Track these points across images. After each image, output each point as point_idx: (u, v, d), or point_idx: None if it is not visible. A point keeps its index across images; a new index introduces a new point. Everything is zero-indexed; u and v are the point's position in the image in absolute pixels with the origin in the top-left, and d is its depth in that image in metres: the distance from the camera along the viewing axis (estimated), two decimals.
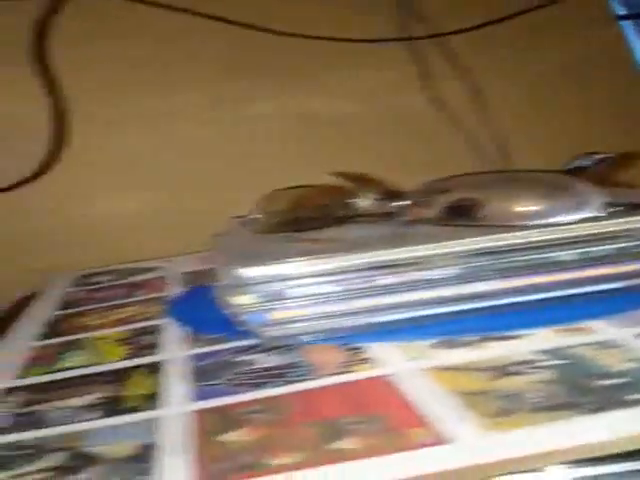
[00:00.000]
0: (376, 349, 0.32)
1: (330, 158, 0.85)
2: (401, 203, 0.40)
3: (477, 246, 0.35)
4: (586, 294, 0.35)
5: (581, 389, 0.25)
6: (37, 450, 0.26)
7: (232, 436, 0.25)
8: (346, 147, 0.90)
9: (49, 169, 0.65)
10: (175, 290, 0.49)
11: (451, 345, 0.31)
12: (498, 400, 0.25)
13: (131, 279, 0.56)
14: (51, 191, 0.66)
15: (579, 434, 0.22)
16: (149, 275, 0.57)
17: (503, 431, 0.23)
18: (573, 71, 1.14)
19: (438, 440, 0.23)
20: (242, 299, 0.33)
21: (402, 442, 0.23)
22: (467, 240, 0.35)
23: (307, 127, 0.94)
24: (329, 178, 0.45)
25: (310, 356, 0.32)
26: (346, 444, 0.23)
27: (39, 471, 0.24)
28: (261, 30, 0.92)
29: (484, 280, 0.35)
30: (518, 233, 0.35)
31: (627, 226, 0.36)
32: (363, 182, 0.48)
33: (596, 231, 0.36)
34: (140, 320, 0.42)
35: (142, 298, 0.49)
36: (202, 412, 0.27)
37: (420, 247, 0.34)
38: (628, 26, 1.22)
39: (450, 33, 1.05)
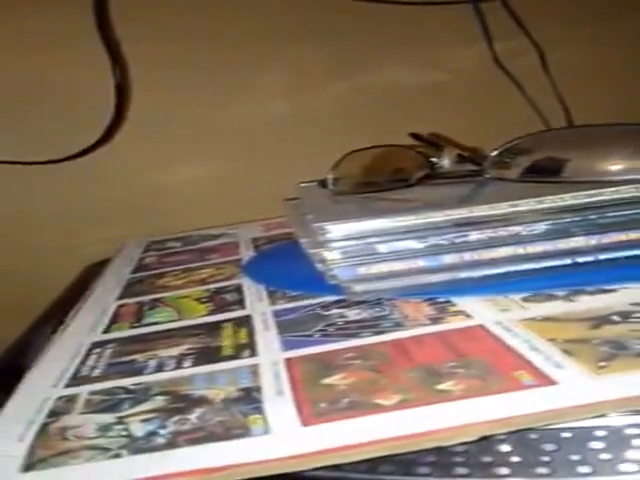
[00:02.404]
0: (465, 303, 0.32)
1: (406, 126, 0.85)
2: (482, 163, 0.40)
3: (563, 203, 0.34)
4: None
5: None
6: (139, 394, 0.27)
7: (333, 380, 0.25)
8: (419, 115, 0.89)
9: (112, 137, 0.66)
10: (248, 253, 0.50)
11: (542, 299, 0.31)
12: (600, 346, 0.25)
13: (202, 244, 0.57)
14: (114, 160, 0.67)
15: None
16: (219, 241, 0.57)
17: (608, 374, 0.23)
18: None
19: (544, 382, 0.23)
20: (330, 254, 0.33)
21: (508, 384, 0.23)
22: (552, 197, 0.34)
23: (376, 99, 0.93)
24: (407, 140, 0.44)
25: (400, 309, 0.32)
26: (451, 386, 0.23)
27: (144, 412, 0.25)
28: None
29: (572, 237, 0.34)
30: (605, 189, 0.34)
31: None
32: (441, 143, 0.48)
33: None
34: (218, 281, 0.43)
35: (216, 261, 0.49)
36: (299, 359, 0.28)
37: (503, 204, 0.34)
38: None
39: None
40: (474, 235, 0.34)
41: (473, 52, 1.01)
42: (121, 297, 0.43)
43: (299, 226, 0.40)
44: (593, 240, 0.34)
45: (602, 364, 0.23)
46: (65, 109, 0.66)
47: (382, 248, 0.34)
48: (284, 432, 0.22)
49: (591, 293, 0.31)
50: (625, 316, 0.28)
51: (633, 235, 0.34)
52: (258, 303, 0.37)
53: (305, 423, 0.22)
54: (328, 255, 0.33)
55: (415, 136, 0.50)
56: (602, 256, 0.34)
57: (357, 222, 0.34)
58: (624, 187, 0.34)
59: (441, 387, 0.23)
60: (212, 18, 0.70)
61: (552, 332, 0.27)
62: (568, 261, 0.34)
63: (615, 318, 0.28)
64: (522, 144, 0.39)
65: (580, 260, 0.34)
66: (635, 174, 0.35)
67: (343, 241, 0.34)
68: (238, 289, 0.40)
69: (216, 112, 0.71)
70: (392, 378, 0.25)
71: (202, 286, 0.42)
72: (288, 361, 0.28)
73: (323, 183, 0.46)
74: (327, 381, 0.25)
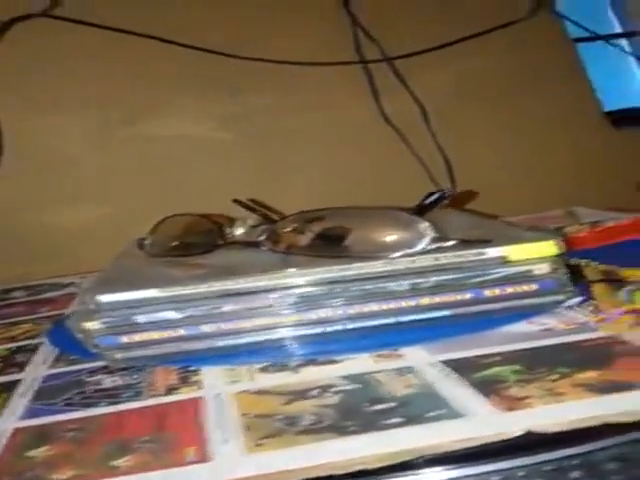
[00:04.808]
0: (209, 372, 0.35)
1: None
2: (265, 230, 0.43)
3: (314, 277, 0.38)
4: (419, 321, 0.38)
5: (352, 413, 0.28)
6: None
7: (37, 452, 0.28)
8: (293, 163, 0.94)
9: None
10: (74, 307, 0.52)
11: (277, 369, 0.34)
12: (276, 422, 0.28)
13: (46, 295, 0.59)
14: None
15: (326, 455, 0.25)
16: (63, 291, 0.59)
17: (261, 451, 0.26)
18: (524, 92, 1.18)
19: (200, 459, 0.26)
20: (91, 325, 0.36)
21: (171, 459, 0.26)
22: (303, 271, 0.38)
23: (252, 143, 0.98)
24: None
25: (152, 377, 0.35)
26: (124, 462, 0.26)
27: None
28: (208, 51, 0.96)
29: (322, 307, 0.38)
30: (353, 265, 0.38)
31: (454, 260, 0.39)
32: (258, 210, 0.51)
33: (426, 264, 0.39)
34: (26, 338, 0.45)
35: (41, 315, 0.51)
36: (25, 429, 0.30)
37: (262, 276, 0.37)
38: (585, 48, 1.26)
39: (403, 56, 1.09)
40: (229, 306, 0.37)
41: (361, 109, 1.06)
42: None
43: (82, 290, 0.43)
44: (340, 310, 0.38)
45: (262, 441, 0.27)
46: None
47: (141, 319, 0.36)
48: None
49: (321, 363, 0.34)
50: (324, 390, 0.31)
51: (374, 307, 0.38)
52: (40, 366, 0.39)
53: None
54: (89, 325, 0.36)
55: (238, 202, 0.53)
56: (350, 325, 0.38)
57: (122, 293, 0.37)
58: (371, 263, 0.38)
59: (114, 463, 0.26)
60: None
61: (250, 406, 0.30)
62: (319, 330, 0.37)
63: (313, 393, 0.31)
64: (295, 219, 0.42)
65: (329, 329, 0.37)
66: (380, 252, 0.38)
67: (108, 311, 0.36)
68: (34, 349, 0.42)
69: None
70: (85, 452, 0.27)
71: (8, 344, 0.45)
72: (15, 431, 0.30)
73: (140, 244, 0.49)
74: (31, 453, 0.28)
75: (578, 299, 0.38)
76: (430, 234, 0.39)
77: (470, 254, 0.39)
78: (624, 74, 1.24)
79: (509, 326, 0.37)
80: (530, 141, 1.12)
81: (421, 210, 0.43)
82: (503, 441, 0.25)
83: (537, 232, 0.41)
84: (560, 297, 0.39)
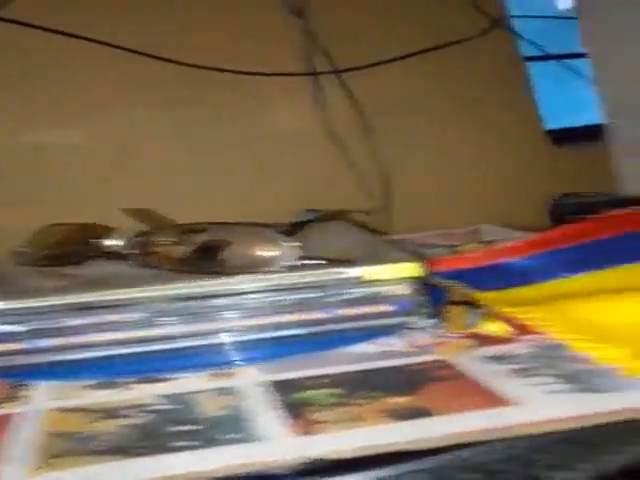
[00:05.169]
0: (42, 388, 0.34)
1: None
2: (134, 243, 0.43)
3: (162, 293, 0.37)
4: (269, 339, 0.38)
5: (151, 435, 0.28)
6: None
7: None
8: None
9: None
10: None
11: (105, 386, 0.34)
12: (71, 442, 0.28)
13: None
14: None
15: (99, 477, 0.25)
16: None
17: (43, 473, 0.25)
18: (472, 111, 1.19)
19: None
20: None
21: None
22: (154, 287, 0.37)
23: (200, 155, 0.98)
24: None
25: None
26: None
27: None
28: (162, 59, 0.96)
29: (169, 325, 0.37)
30: (210, 282, 0.38)
31: (314, 278, 0.38)
32: (145, 219, 0.51)
33: (286, 282, 0.38)
34: None
35: None
36: None
37: (110, 292, 0.37)
38: (535, 67, 1.27)
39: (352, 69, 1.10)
40: (75, 320, 0.37)
41: (306, 120, 1.07)
42: None
43: None
44: (187, 327, 0.37)
45: (51, 461, 0.26)
46: None
47: None
48: None
49: (152, 381, 0.34)
50: (139, 409, 0.31)
51: (224, 324, 0.37)
52: None
53: None
54: None
55: (129, 211, 0.52)
56: (197, 342, 0.37)
57: None
58: (227, 280, 0.37)
59: None
60: None
61: (58, 423, 0.30)
62: (163, 347, 0.37)
63: (126, 412, 0.30)
64: (164, 233, 0.42)
65: (173, 346, 0.37)
66: (248, 268, 0.38)
67: None
68: None
69: None
70: None
71: None
72: None
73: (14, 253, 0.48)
74: None
75: (430, 321, 0.38)
76: (293, 253, 0.39)
77: (332, 273, 0.39)
78: (571, 94, 1.25)
79: (354, 346, 0.37)
80: (469, 157, 1.12)
81: (293, 228, 0.43)
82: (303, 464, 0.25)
83: (402, 253, 0.41)
84: (415, 319, 0.39)
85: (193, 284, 0.38)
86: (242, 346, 0.37)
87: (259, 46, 1.08)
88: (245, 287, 0.38)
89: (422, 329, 0.38)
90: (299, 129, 1.09)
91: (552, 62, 1.29)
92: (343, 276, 0.39)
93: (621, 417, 0.27)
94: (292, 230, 0.43)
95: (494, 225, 0.70)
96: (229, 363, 0.36)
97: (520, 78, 1.25)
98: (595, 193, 0.68)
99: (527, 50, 1.28)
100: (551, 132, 1.18)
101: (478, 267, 0.44)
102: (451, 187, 1.11)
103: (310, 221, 0.44)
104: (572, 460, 0.27)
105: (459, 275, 0.45)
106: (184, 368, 0.35)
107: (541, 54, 1.30)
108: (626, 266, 0.41)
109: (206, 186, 0.98)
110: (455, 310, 0.40)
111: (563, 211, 0.61)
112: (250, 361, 0.36)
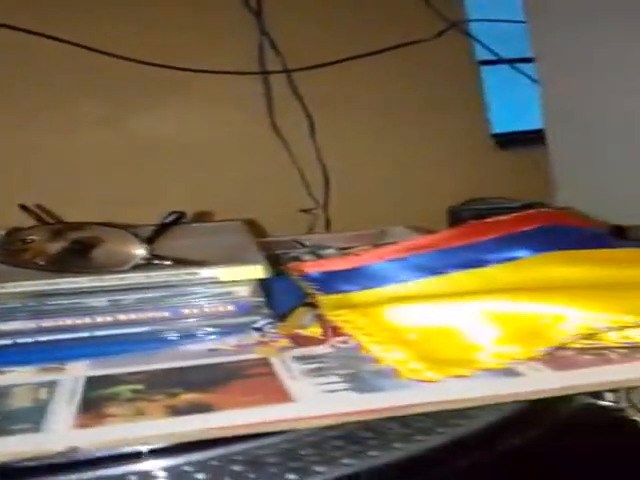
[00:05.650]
0: None
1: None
2: None
3: (18, 290, 0.39)
4: (112, 336, 0.40)
5: None
6: None
7: None
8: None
9: None
10: None
11: None
12: None
13: None
14: None
15: None
16: None
17: None
18: (424, 112, 1.20)
19: None
20: None
21: None
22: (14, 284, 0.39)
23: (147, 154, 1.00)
24: None
25: None
26: None
27: None
28: (115, 57, 0.98)
29: (16, 320, 0.39)
30: (57, 280, 0.40)
31: (156, 279, 0.40)
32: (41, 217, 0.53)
33: (134, 281, 0.40)
34: None
35: None
36: None
37: None
38: (488, 71, 1.29)
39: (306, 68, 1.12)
40: None
41: (254, 120, 1.08)
42: None
43: None
44: (32, 324, 0.39)
45: None
46: None
47: None
48: None
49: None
50: None
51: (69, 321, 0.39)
52: None
53: None
54: None
55: (25, 208, 0.54)
56: (42, 338, 0.39)
57: None
58: (76, 279, 0.39)
59: None
60: None
61: None
62: (9, 341, 0.39)
63: None
64: (24, 233, 0.44)
65: (20, 341, 0.39)
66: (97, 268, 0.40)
67: None
68: None
69: None
70: None
71: None
72: None
73: None
74: None
75: (266, 321, 0.40)
76: (141, 253, 0.41)
77: (177, 274, 0.41)
78: (521, 98, 1.26)
79: (193, 345, 0.39)
80: (412, 159, 1.14)
81: (158, 230, 0.45)
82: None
83: (253, 256, 0.43)
84: (255, 318, 0.41)
85: (40, 282, 0.39)
86: (79, 343, 0.39)
87: (213, 45, 1.10)
88: (87, 286, 0.40)
89: (259, 329, 0.40)
90: (245, 127, 1.11)
91: (506, 66, 1.31)
92: (187, 277, 0.41)
93: (382, 415, 0.29)
94: (156, 232, 0.45)
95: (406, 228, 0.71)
96: (63, 358, 0.37)
97: (472, 81, 1.27)
98: (502, 199, 0.70)
99: (482, 54, 1.30)
100: (497, 135, 1.20)
101: (343, 270, 0.45)
102: (392, 188, 1.13)
103: (174, 223, 0.45)
104: (336, 455, 0.29)
105: (327, 277, 0.47)
106: (23, 362, 0.37)
107: (495, 58, 1.31)
108: (468, 271, 0.43)
109: (145, 190, 1.00)
110: (299, 311, 0.42)
111: (459, 217, 0.62)
112: (85, 357, 0.37)
